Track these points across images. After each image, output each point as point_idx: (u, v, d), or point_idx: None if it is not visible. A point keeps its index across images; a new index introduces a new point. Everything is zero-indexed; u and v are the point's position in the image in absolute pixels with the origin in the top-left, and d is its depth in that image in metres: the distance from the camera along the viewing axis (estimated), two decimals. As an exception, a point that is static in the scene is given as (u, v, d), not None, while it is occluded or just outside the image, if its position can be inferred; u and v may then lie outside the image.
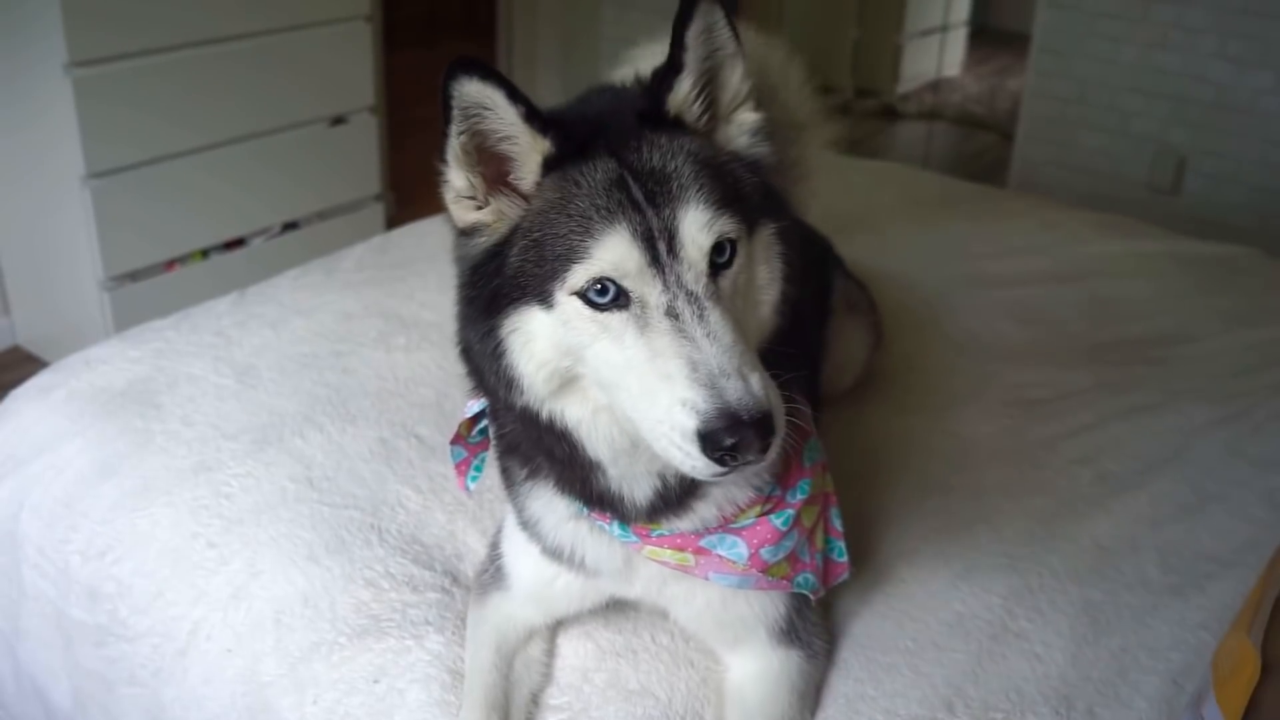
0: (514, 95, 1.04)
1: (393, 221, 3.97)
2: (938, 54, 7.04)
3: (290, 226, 3.81)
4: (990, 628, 1.41)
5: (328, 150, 3.83)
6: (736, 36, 1.13)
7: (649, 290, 1.02)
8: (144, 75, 3.20)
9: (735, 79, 1.15)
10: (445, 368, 1.94)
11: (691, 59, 1.11)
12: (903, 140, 6.23)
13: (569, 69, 5.44)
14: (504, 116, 1.05)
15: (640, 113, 1.12)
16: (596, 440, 1.13)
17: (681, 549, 1.21)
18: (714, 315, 1.01)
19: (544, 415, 1.12)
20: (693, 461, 0.98)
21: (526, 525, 1.32)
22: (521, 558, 1.36)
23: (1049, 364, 2.06)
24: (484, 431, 1.36)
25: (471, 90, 1.03)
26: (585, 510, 1.23)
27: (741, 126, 1.17)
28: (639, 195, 1.04)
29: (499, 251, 1.09)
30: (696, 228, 1.03)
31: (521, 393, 1.11)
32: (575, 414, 1.12)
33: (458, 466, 1.38)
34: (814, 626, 1.34)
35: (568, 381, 1.09)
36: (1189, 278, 2.47)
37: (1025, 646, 1.39)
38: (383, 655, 1.38)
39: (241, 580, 1.51)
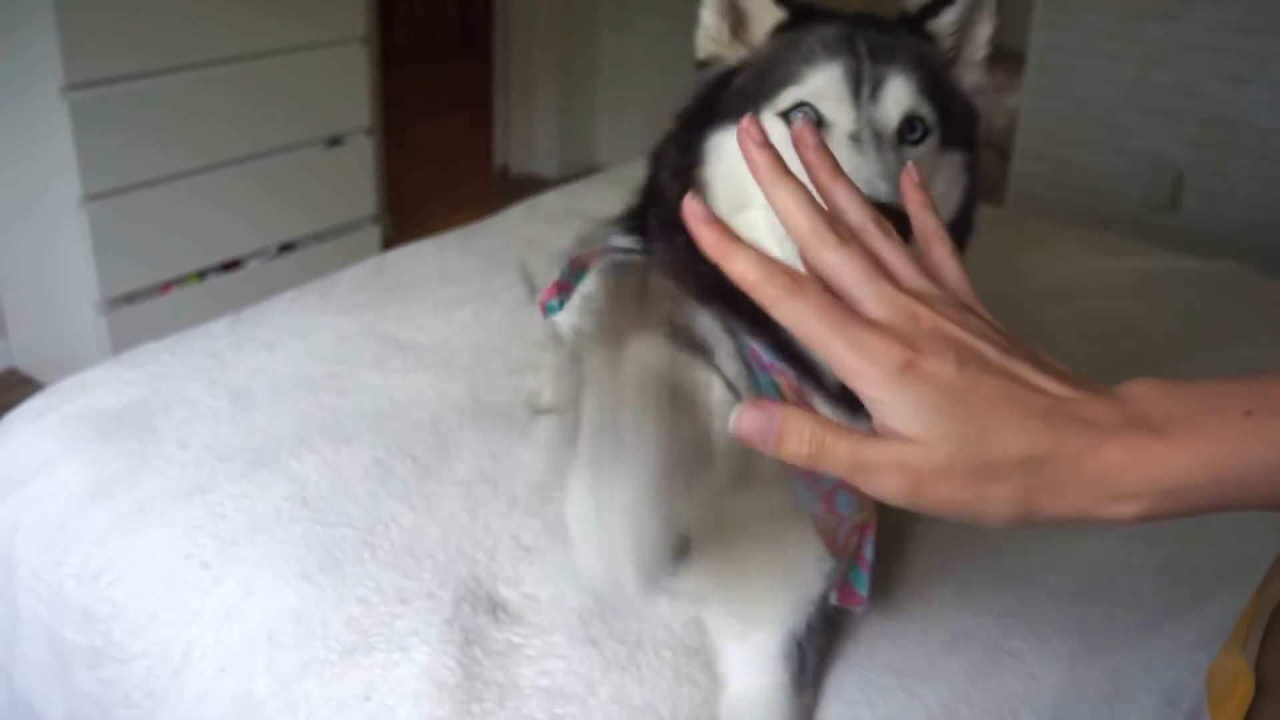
0: None
1: (389, 243, 3.98)
2: (934, 73, 7.06)
3: (287, 248, 3.82)
4: (985, 647, 1.41)
5: (324, 172, 3.85)
6: (997, 12, 1.27)
7: (843, 116, 1.11)
8: (140, 98, 3.22)
9: (983, 36, 1.28)
10: (440, 390, 1.94)
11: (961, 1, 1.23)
12: (899, 159, 6.24)
13: (567, 91, 5.45)
14: None
15: (900, 16, 1.24)
16: None
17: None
18: (891, 153, 1.09)
19: None
20: None
21: None
22: None
23: (1044, 382, 2.05)
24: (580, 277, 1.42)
25: None
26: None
27: (970, 75, 1.30)
28: (862, 49, 1.13)
29: (726, 78, 1.21)
30: (900, 91, 1.13)
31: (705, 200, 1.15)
32: (745, 230, 1.14)
33: (546, 291, 1.42)
34: (817, 649, 1.34)
35: (741, 206, 1.16)
36: (1184, 295, 2.47)
37: (1020, 666, 1.39)
38: (371, 671, 1.37)
39: (235, 600, 1.51)
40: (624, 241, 1.36)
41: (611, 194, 2.95)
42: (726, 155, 1.17)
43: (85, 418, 1.86)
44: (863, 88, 1.12)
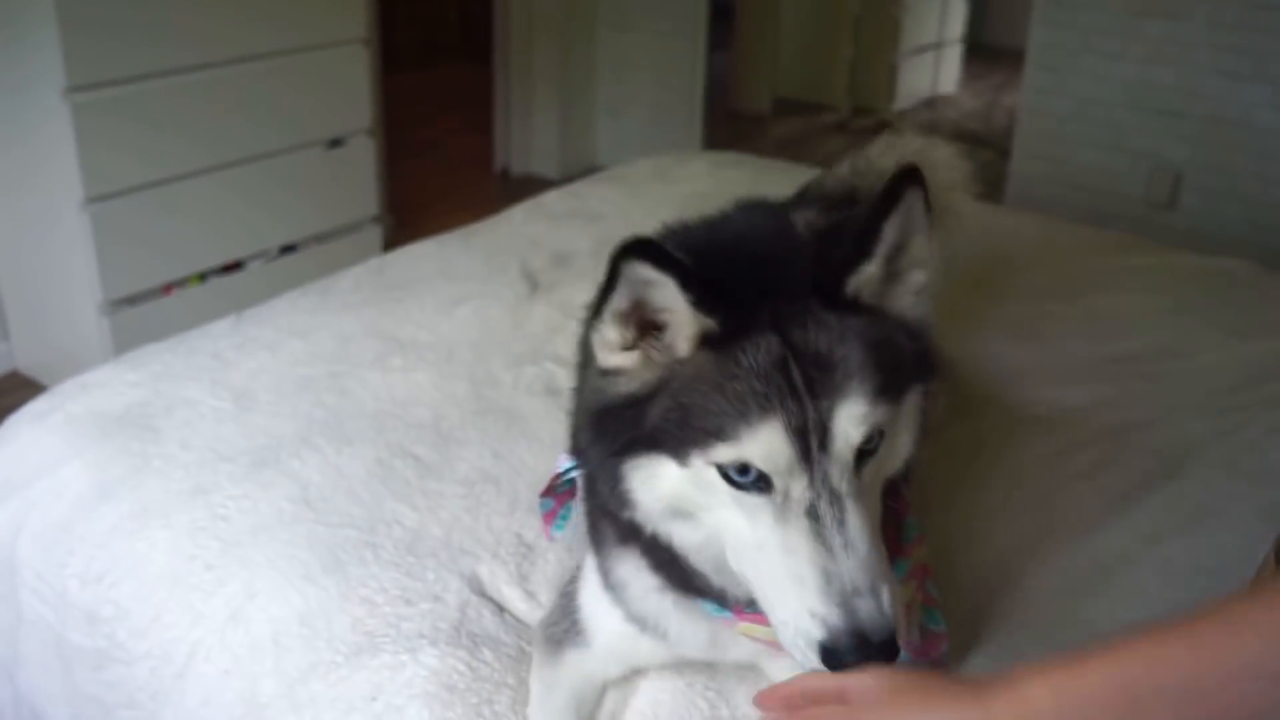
0: (686, 282, 0.99)
1: (390, 243, 3.98)
2: (933, 71, 7.08)
3: (288, 249, 3.82)
4: (987, 645, 1.41)
5: (325, 173, 3.85)
6: (930, 210, 1.08)
7: (794, 485, 0.98)
8: (142, 99, 3.22)
9: (918, 248, 1.10)
10: (441, 388, 1.95)
11: (882, 248, 1.05)
12: (899, 158, 6.24)
13: (566, 92, 5.46)
14: (670, 296, 1.01)
15: (816, 284, 1.05)
16: (703, 561, 1.11)
17: None
18: (854, 519, 0.97)
19: (647, 531, 1.10)
20: (812, 664, 0.97)
21: (612, 588, 1.27)
22: (604, 617, 1.31)
23: (1044, 381, 2.06)
24: (570, 481, 1.35)
25: (643, 272, 1.00)
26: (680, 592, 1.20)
27: (909, 286, 1.11)
28: (799, 383, 0.98)
29: (638, 403, 1.05)
30: (852, 424, 0.99)
31: (633, 511, 1.08)
32: (683, 539, 1.09)
33: (545, 516, 1.38)
34: None
35: (685, 512, 1.06)
36: (1185, 292, 2.47)
37: (1023, 663, 1.38)
38: (379, 673, 1.37)
39: (239, 602, 1.51)
40: (567, 461, 1.32)
41: (611, 193, 2.97)
42: (661, 479, 1.03)
43: (88, 419, 1.86)
44: (810, 438, 0.98)
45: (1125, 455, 1.83)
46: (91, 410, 1.88)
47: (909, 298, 1.11)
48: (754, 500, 0.99)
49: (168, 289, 3.50)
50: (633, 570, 1.23)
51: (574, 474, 1.31)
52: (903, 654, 1.22)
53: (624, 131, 5.56)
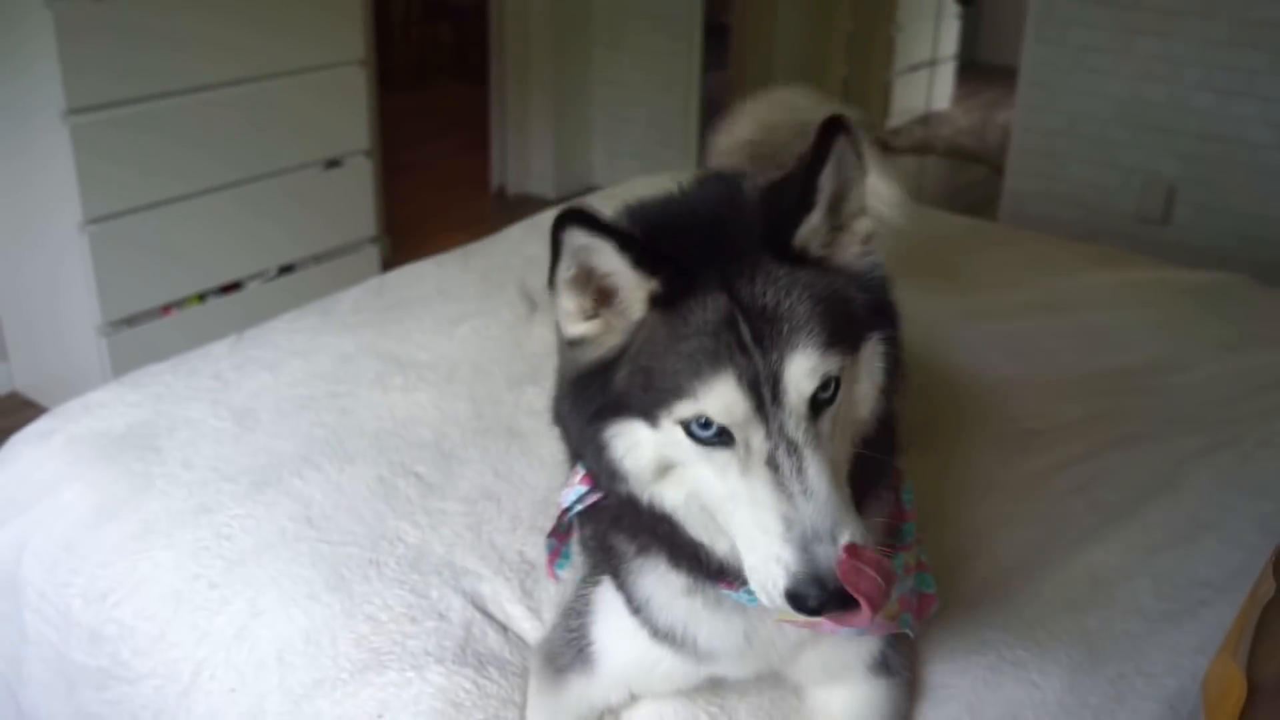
0: (624, 244, 1.05)
1: (388, 264, 3.99)
2: (927, 88, 7.11)
3: (286, 270, 3.83)
4: (987, 658, 1.42)
5: (323, 194, 3.86)
6: (861, 156, 1.11)
7: (752, 436, 1.02)
8: (141, 121, 3.23)
9: (858, 195, 1.14)
10: (442, 407, 1.96)
11: (822, 197, 1.09)
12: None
13: (562, 111, 5.47)
14: (611, 259, 1.06)
15: (765, 240, 1.09)
16: (694, 524, 1.14)
17: None
18: (813, 468, 1.01)
19: (644, 500, 1.13)
20: (779, 606, 1.01)
21: (638, 607, 1.27)
22: (622, 641, 1.32)
23: (1040, 396, 2.07)
24: (569, 524, 1.37)
25: (580, 238, 1.05)
26: (705, 583, 1.20)
27: (855, 235, 1.15)
28: (747, 338, 1.03)
29: (605, 369, 1.10)
30: (803, 375, 1.03)
31: (624, 482, 1.12)
32: (672, 498, 1.12)
33: (549, 556, 1.40)
34: (904, 657, 1.35)
35: (659, 475, 1.10)
36: (1178, 306, 2.49)
37: (1022, 675, 1.40)
38: (384, 690, 1.38)
39: (243, 620, 1.52)
40: (572, 493, 1.31)
41: (608, 213, 2.98)
42: (638, 444, 1.08)
43: (90, 439, 1.87)
44: (763, 391, 1.02)
45: (1121, 469, 1.84)
46: (93, 430, 1.89)
47: (856, 247, 1.15)
48: (719, 454, 1.04)
49: (166, 310, 3.51)
50: (656, 579, 1.24)
51: (576, 510, 1.31)
52: (908, 617, 1.27)
53: (620, 151, 5.58)
